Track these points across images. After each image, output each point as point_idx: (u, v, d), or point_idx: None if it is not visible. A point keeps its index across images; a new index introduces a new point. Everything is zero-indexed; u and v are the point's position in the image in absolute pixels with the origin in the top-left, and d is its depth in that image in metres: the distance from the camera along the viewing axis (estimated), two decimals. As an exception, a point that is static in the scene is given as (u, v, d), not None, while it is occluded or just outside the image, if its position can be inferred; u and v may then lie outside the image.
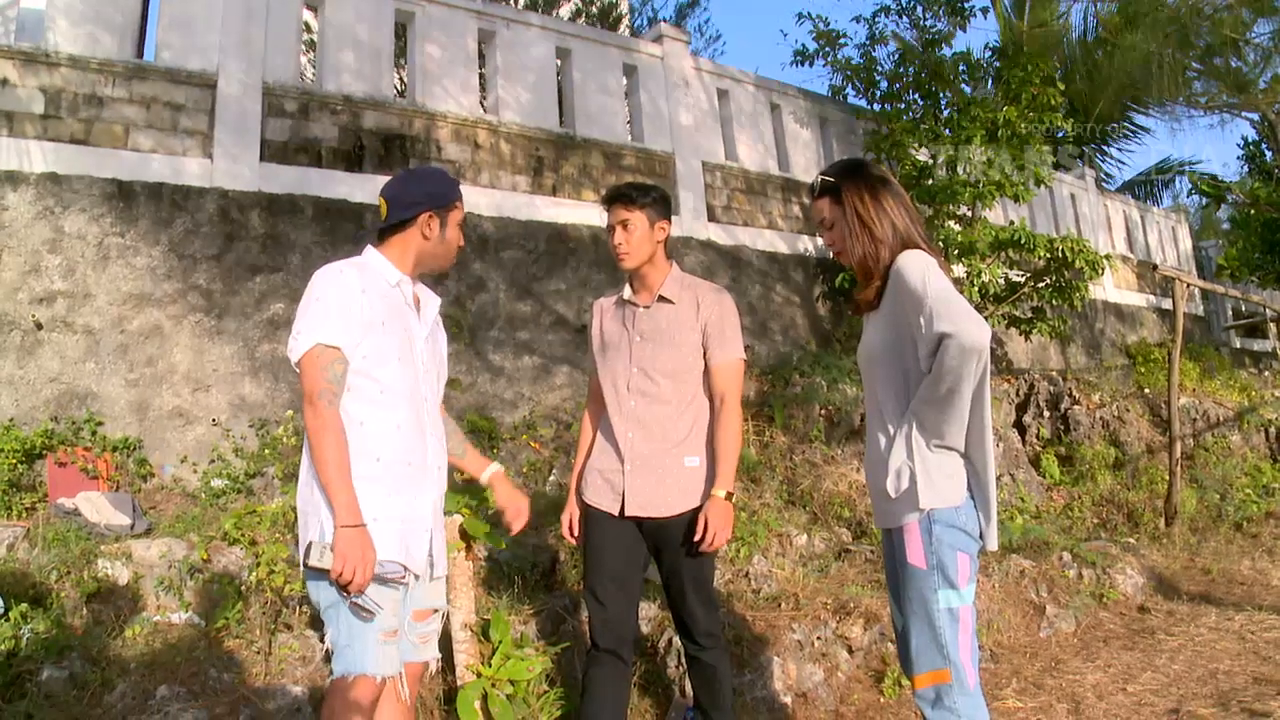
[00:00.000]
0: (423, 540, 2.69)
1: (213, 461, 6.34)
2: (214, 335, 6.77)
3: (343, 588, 2.44)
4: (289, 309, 2.08)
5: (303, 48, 9.56)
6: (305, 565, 2.48)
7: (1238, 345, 18.25)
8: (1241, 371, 15.84)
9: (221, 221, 7.08)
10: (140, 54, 7.63)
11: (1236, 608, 6.25)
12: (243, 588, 4.31)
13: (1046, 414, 10.28)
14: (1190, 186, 19.84)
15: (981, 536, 2.67)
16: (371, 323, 2.59)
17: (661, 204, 3.42)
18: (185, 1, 7.49)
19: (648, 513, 3.26)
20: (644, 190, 3.41)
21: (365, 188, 7.87)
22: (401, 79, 11.21)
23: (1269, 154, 17.10)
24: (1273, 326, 18.04)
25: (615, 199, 3.41)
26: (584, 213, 9.29)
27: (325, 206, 7.62)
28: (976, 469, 2.66)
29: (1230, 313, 18.58)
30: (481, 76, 9.73)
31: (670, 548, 3.28)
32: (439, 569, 2.81)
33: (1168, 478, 8.79)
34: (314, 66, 9.27)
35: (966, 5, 11.49)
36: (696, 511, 3.20)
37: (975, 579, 2.69)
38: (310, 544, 2.46)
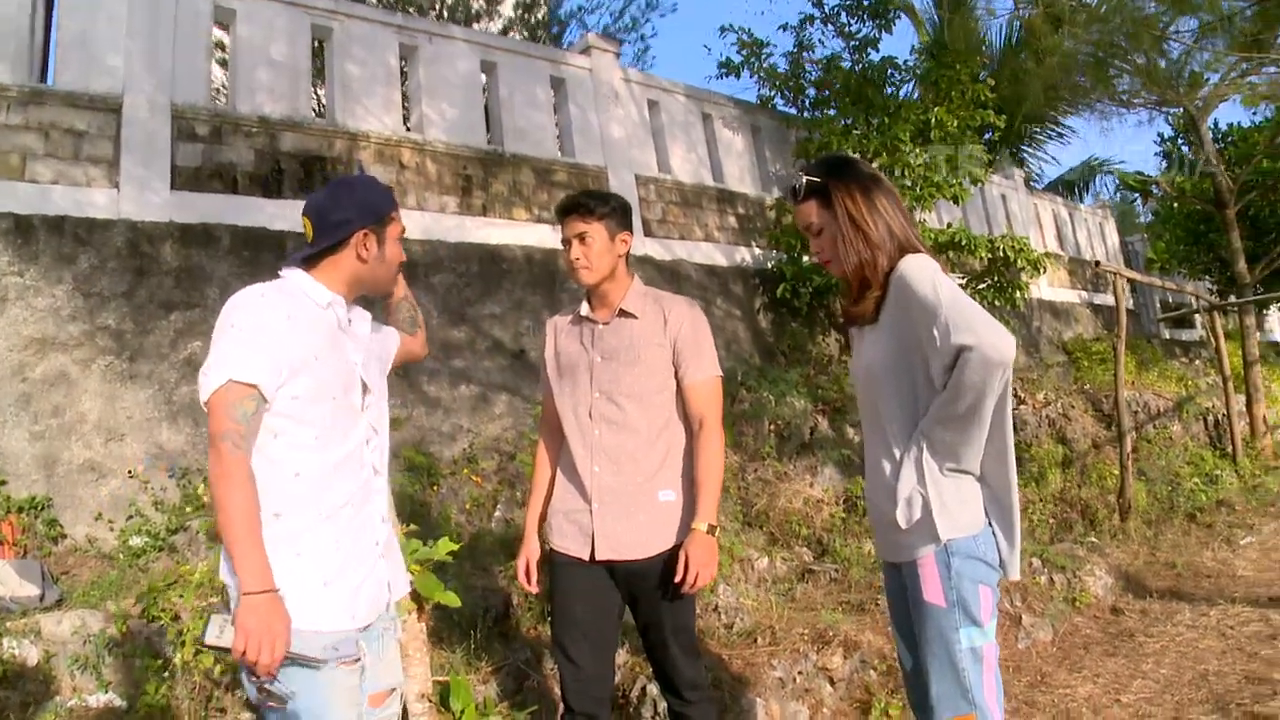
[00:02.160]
0: (378, 572, 2.35)
1: (130, 517, 5.83)
2: (126, 380, 6.27)
3: (251, 670, 2.04)
4: (208, 347, 1.83)
5: (215, 67, 9.09)
6: (201, 644, 2.11)
7: (1167, 336, 18.55)
8: (1174, 362, 16.16)
9: (130, 255, 6.60)
10: (44, 78, 7.09)
11: (1209, 602, 6.23)
12: (168, 667, 3.88)
13: (994, 416, 10.19)
14: (1114, 183, 20.26)
15: (1002, 565, 2.41)
16: (302, 359, 2.21)
17: (622, 214, 3.09)
18: (85, 20, 6.98)
19: (620, 555, 2.93)
20: (602, 199, 3.08)
21: (286, 214, 7.43)
22: (320, 98, 10.78)
23: (1185, 149, 17.48)
24: (1198, 317, 18.40)
25: (570, 210, 3.06)
26: (516, 232, 8.95)
27: (243, 235, 7.16)
28: (996, 492, 2.41)
29: (1159, 305, 18.88)
30: (404, 94, 9.35)
31: (647, 593, 2.95)
32: (398, 589, 2.45)
33: (1118, 472, 8.81)
34: (227, 87, 8.81)
35: (890, 9, 11.43)
36: (674, 551, 2.88)
37: (997, 613, 2.44)
38: (210, 617, 2.07)
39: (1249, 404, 12.33)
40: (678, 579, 2.80)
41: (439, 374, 7.70)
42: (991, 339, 2.16)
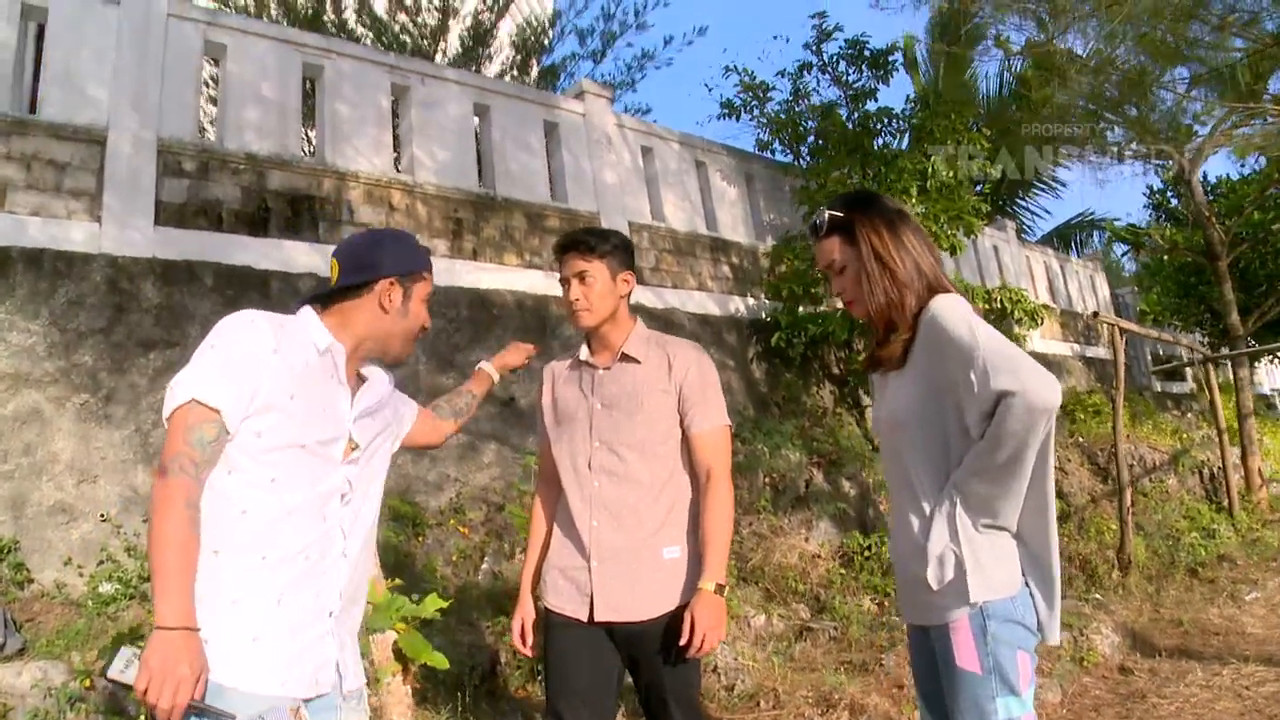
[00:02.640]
0: (325, 648, 2.10)
1: (101, 563, 5.58)
2: (101, 419, 6.05)
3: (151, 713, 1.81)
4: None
5: (204, 102, 8.97)
6: (105, 677, 1.87)
7: (1159, 389, 18.48)
8: (1166, 414, 16.07)
9: (110, 292, 6.40)
10: (33, 109, 6.93)
11: (1220, 661, 6.02)
12: (132, 726, 3.65)
13: (989, 470, 10.04)
14: (1104, 235, 20.33)
15: (1040, 629, 2.25)
16: (276, 395, 2.03)
17: (624, 252, 2.91)
18: (72, 50, 6.84)
19: (621, 617, 2.72)
20: (603, 237, 2.90)
21: (271, 254, 7.27)
22: (309, 137, 10.65)
23: (1175, 201, 17.55)
24: (1189, 370, 18.36)
25: (570, 247, 2.89)
26: (507, 277, 8.79)
27: (227, 274, 6.98)
28: (1034, 550, 2.24)
29: (1150, 357, 18.83)
30: (395, 135, 9.23)
31: (648, 656, 2.73)
32: (349, 680, 2.17)
33: (1117, 527, 8.67)
34: (215, 123, 8.70)
35: (891, 60, 11.44)
36: (678, 611, 2.67)
37: (1035, 680, 2.26)
38: (120, 648, 1.87)
39: (1244, 457, 12.22)
40: (683, 642, 2.59)
41: (426, 419, 7.49)
42: (1036, 383, 2.01)
